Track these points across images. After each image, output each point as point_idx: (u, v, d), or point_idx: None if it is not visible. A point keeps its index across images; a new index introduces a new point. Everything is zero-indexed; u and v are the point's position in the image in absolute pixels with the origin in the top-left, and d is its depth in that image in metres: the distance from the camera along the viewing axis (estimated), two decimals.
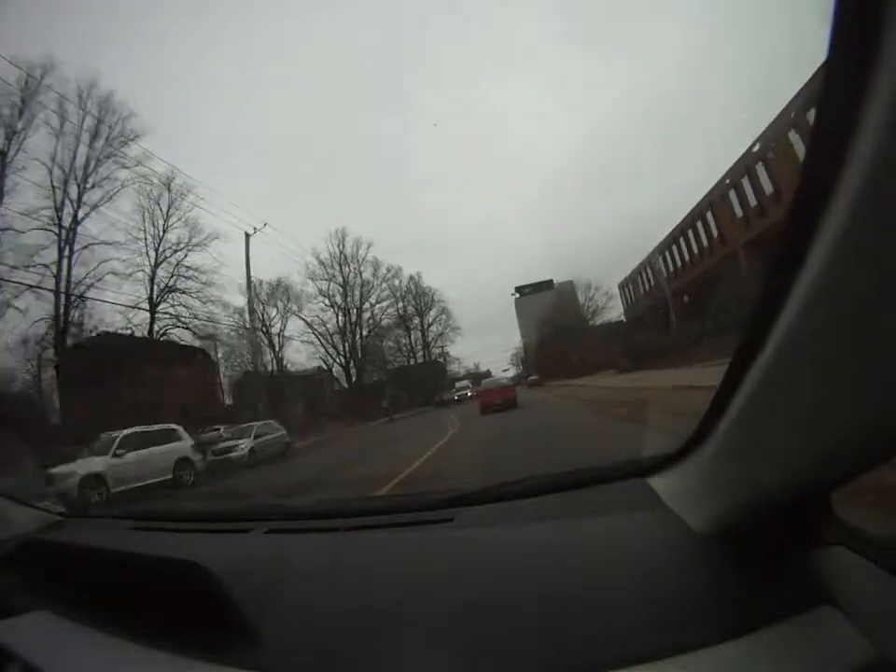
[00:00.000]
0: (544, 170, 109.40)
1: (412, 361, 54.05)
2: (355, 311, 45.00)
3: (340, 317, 44.16)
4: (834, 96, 0.35)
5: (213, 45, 60.21)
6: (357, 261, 45.84)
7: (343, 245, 45.13)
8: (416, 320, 55.35)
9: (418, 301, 54.89)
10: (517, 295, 79.79)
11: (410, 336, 54.56)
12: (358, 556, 0.91)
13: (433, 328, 56.18)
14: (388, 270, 47.45)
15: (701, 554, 0.65)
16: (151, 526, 1.38)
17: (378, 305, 47.45)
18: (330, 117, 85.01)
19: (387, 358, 50.69)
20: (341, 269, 44.87)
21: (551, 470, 1.19)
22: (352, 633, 0.67)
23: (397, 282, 48.72)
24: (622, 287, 51.08)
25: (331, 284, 43.47)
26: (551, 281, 73.21)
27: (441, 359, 57.92)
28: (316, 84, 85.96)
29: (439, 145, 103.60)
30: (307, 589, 0.80)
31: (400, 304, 52.08)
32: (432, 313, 55.78)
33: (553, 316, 51.37)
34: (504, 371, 67.75)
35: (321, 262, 43.03)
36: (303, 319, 40.92)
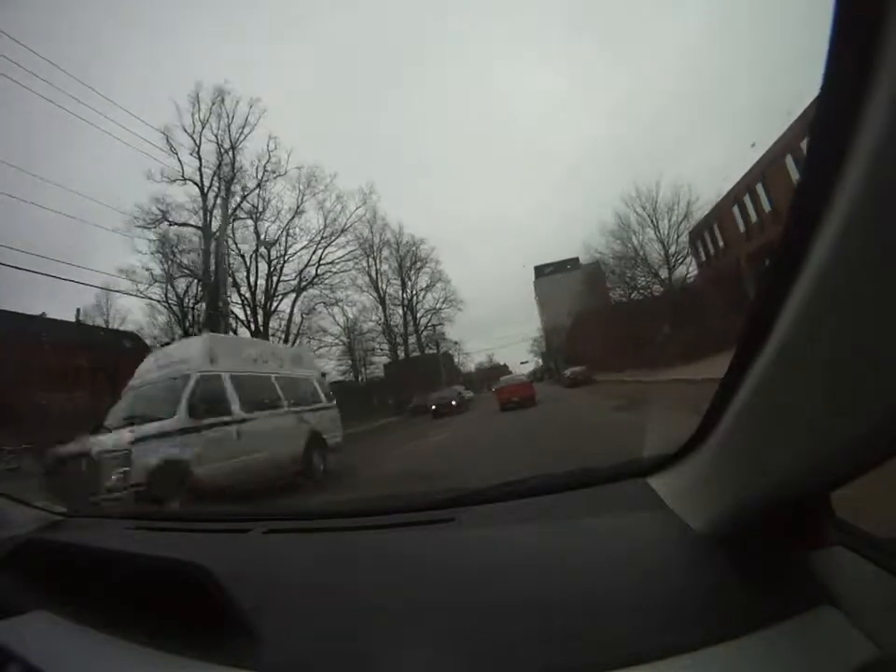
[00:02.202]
0: (555, 167, 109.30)
1: (404, 349, 37.57)
2: (230, 234, 24.09)
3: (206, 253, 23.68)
4: (835, 92, 0.35)
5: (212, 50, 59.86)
6: (230, 138, 25.65)
7: (223, 110, 25.38)
8: (397, 290, 37.37)
9: (402, 258, 36.73)
10: (531, 277, 69.85)
11: (384, 310, 36.54)
12: (358, 556, 0.91)
13: (426, 300, 38.79)
14: (315, 178, 28.22)
15: (701, 554, 0.65)
16: (151, 526, 1.38)
17: (318, 247, 28.49)
18: (341, 112, 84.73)
19: (372, 345, 35.31)
20: (197, 148, 24.70)
21: (552, 470, 1.19)
22: (352, 633, 0.67)
23: (338, 208, 30.16)
24: (694, 234, 30.16)
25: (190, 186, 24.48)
26: (576, 259, 59.57)
27: (433, 345, 40.09)
28: (324, 77, 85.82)
29: (447, 138, 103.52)
30: (307, 589, 0.80)
31: (368, 260, 33.61)
32: (423, 279, 38.52)
33: (586, 296, 35.82)
34: (522, 363, 58.75)
35: (172, 147, 24.07)
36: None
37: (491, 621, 0.63)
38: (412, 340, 39.92)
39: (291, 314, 28.13)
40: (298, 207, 29.12)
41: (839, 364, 0.38)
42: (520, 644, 0.58)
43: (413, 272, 39.05)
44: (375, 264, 35.55)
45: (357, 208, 31.94)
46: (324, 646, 0.66)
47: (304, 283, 29.02)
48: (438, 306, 39.90)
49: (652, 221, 29.54)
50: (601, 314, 31.95)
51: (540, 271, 73.47)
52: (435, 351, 41.43)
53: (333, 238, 30.56)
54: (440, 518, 1.01)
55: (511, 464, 5.62)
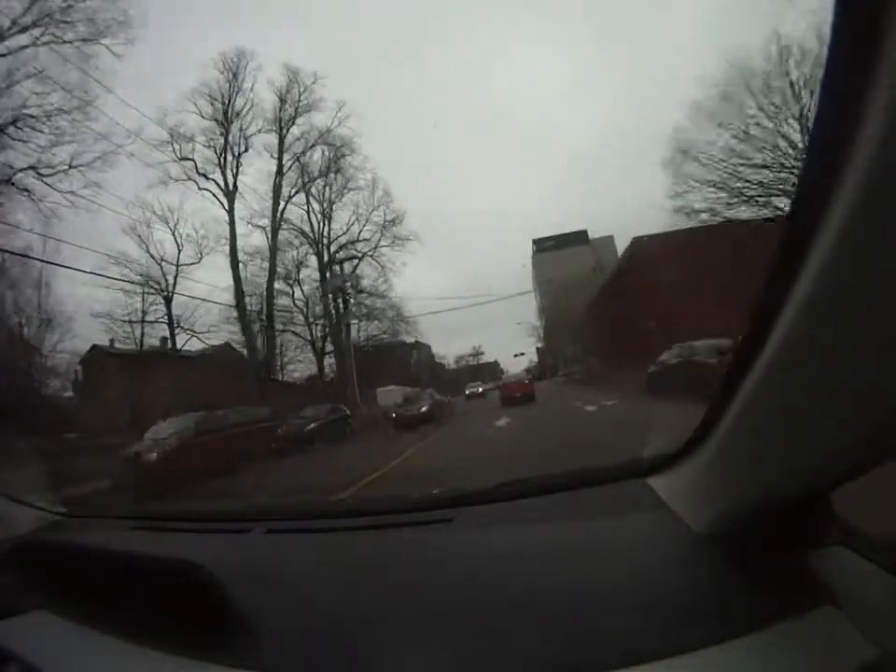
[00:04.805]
0: (555, 163, 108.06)
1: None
2: None
3: None
4: (836, 92, 0.35)
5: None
6: None
7: None
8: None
9: (281, 104, 18.81)
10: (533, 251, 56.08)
11: (232, 227, 18.87)
12: (358, 556, 0.91)
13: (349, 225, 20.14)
14: None
15: (701, 555, 0.65)
16: (151, 526, 1.38)
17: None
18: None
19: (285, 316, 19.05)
20: None
21: (551, 470, 1.19)
22: (352, 633, 0.67)
23: None
24: None
25: None
26: (584, 232, 49.23)
27: (340, 301, 21.46)
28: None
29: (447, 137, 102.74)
30: (307, 589, 0.80)
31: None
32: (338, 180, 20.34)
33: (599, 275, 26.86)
34: (516, 356, 50.87)
35: None
36: None
37: (490, 621, 0.63)
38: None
39: None
40: None
41: (839, 364, 0.38)
42: (520, 644, 0.58)
43: (293, 134, 18.01)
44: (226, 112, 15.77)
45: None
46: (324, 645, 0.66)
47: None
48: (363, 235, 19.72)
49: None
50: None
51: (541, 244, 58.09)
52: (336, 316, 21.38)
53: None
54: (439, 518, 1.01)
55: None
